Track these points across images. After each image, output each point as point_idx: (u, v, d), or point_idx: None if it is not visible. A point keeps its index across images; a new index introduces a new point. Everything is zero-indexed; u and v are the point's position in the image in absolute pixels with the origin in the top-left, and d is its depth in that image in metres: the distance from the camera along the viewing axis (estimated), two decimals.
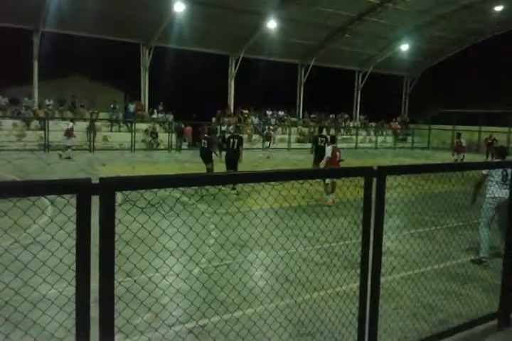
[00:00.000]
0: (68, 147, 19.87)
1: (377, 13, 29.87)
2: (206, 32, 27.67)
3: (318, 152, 12.99)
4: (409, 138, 38.70)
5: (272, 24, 28.50)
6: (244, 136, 25.72)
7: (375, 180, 3.21)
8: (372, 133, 37.81)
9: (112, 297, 2.27)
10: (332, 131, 31.11)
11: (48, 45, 25.21)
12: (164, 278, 3.53)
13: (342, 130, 35.94)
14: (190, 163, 16.99)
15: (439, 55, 38.66)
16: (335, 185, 10.78)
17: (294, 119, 34.73)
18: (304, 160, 19.16)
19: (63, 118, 24.73)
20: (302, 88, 35.73)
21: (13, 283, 2.82)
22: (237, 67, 31.72)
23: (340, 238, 4.74)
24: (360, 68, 37.95)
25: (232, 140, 12.57)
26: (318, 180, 8.52)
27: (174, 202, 3.13)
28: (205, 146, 13.08)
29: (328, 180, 10.41)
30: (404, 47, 34.86)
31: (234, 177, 3.23)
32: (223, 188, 10.36)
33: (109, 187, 2.30)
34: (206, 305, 3.69)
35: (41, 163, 15.08)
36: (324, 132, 16.95)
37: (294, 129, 32.78)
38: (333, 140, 11.96)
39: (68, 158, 19.14)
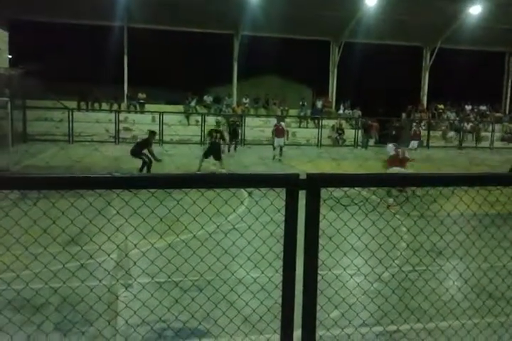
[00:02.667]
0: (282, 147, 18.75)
1: None
2: (398, 24, 26.47)
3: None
4: None
5: (475, 9, 25.78)
6: (438, 133, 23.94)
7: None
8: None
9: (314, 288, 2.33)
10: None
11: (245, 47, 27.52)
12: (365, 276, 3.48)
13: None
14: (377, 160, 16.50)
15: None
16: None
17: (498, 115, 30.88)
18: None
19: (257, 115, 26.73)
20: (511, 79, 31.51)
21: (215, 265, 3.12)
22: (433, 59, 29.62)
23: None
24: None
25: (214, 134, 13.79)
26: None
27: (376, 202, 3.04)
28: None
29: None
30: None
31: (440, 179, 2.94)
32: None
33: (315, 183, 2.35)
34: (395, 311, 3.53)
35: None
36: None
37: (498, 126, 29.17)
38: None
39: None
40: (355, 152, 23.44)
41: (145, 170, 12.44)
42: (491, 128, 28.66)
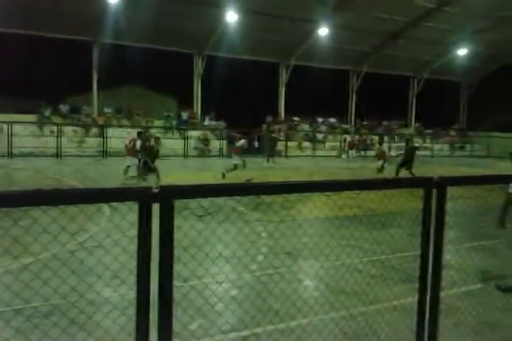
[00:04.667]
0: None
1: (434, 17, 29.01)
2: (257, 40, 27.96)
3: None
4: (468, 147, 37.14)
5: (323, 31, 28.42)
6: (294, 144, 25.79)
7: (435, 191, 3.09)
8: (428, 140, 36.58)
9: (170, 302, 2.31)
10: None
11: (106, 55, 26.45)
12: (221, 284, 3.53)
13: (396, 137, 35.03)
14: (240, 170, 17.05)
15: (498, 60, 36.90)
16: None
17: (345, 126, 34.30)
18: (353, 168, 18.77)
19: (120, 126, 25.75)
20: (354, 95, 35.26)
21: (75, 286, 2.91)
22: (288, 75, 31.79)
23: (398, 250, 4.59)
24: (415, 74, 36.94)
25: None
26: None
27: (229, 211, 3.14)
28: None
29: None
30: (462, 51, 33.55)
31: (286, 187, 3.15)
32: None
33: (168, 196, 2.35)
34: (260, 314, 3.67)
35: (104, 169, 15.39)
36: None
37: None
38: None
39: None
40: (220, 162, 23.90)
41: None
42: (339, 138, 31.71)
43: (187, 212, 2.63)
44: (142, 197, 2.24)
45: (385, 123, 36.16)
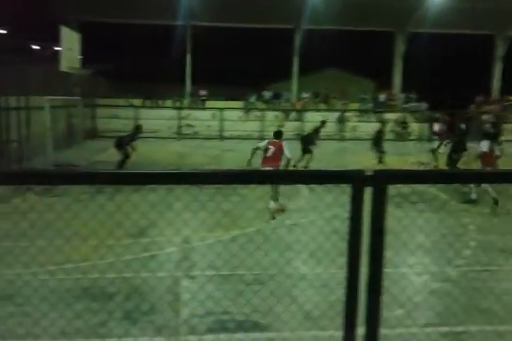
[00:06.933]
0: None
1: None
2: (466, 11, 25.10)
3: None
4: None
5: None
6: (510, 126, 22.63)
7: None
8: None
9: (379, 286, 2.28)
10: None
11: (306, 41, 27.28)
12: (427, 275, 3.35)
13: None
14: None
15: None
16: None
17: None
18: None
19: (317, 110, 26.44)
20: None
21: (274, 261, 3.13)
22: (507, 47, 27.80)
23: None
24: None
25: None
26: None
27: (434, 199, 2.91)
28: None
29: None
30: None
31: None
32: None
33: (382, 180, 2.29)
34: (464, 311, 3.38)
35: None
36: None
37: None
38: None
39: None
40: (419, 146, 22.48)
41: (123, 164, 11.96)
42: None
43: (398, 198, 2.55)
44: (356, 180, 2.24)
45: None
